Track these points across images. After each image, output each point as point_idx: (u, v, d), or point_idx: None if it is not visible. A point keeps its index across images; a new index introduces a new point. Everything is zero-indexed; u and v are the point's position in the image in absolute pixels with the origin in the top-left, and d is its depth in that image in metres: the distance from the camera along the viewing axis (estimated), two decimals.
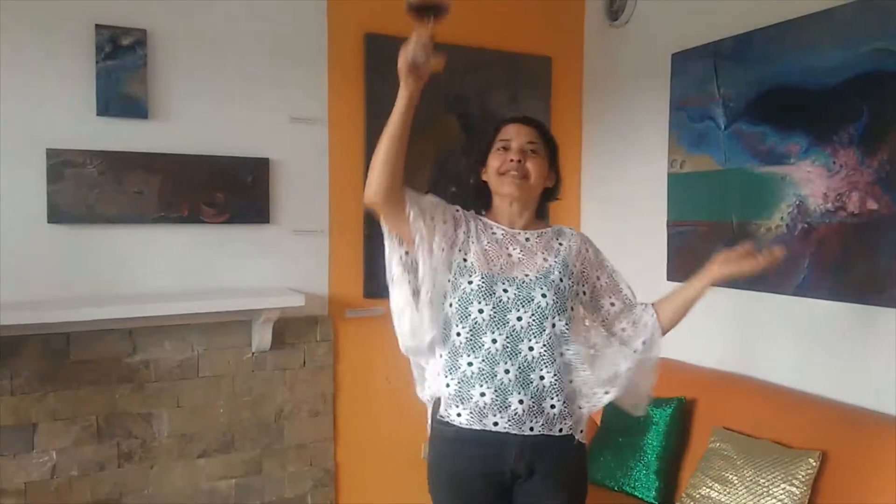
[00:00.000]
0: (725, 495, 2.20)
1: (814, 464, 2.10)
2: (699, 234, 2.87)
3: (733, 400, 2.51)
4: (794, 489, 2.08)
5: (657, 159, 3.05)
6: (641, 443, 2.56)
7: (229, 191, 2.70)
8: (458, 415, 1.65)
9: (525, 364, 1.63)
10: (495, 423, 1.62)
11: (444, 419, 1.68)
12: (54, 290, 2.47)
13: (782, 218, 2.53)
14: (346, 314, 2.97)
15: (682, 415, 2.57)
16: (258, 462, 2.82)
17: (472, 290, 1.66)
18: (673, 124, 2.96)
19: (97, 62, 2.49)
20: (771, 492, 2.11)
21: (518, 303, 1.65)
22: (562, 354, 1.67)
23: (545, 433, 1.65)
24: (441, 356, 1.70)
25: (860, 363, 2.32)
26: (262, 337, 2.73)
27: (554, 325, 1.66)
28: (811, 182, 2.43)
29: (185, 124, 2.66)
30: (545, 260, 1.73)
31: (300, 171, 2.87)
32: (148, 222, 2.59)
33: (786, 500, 2.07)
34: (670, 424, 2.54)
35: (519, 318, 1.64)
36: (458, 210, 1.78)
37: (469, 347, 1.65)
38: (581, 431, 1.72)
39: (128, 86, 2.54)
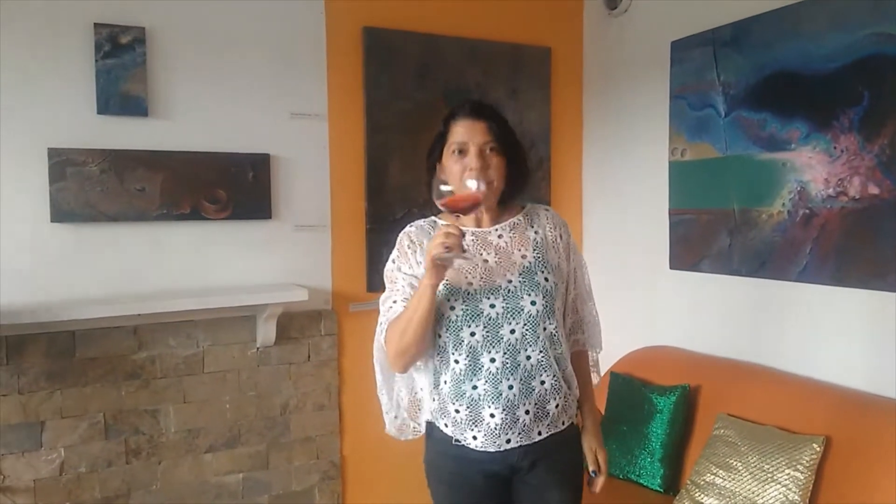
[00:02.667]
0: (730, 482, 2.21)
1: (818, 449, 2.10)
2: (701, 223, 2.86)
3: (737, 387, 2.52)
4: (798, 474, 2.09)
5: (658, 148, 3.04)
6: (646, 431, 2.57)
7: (231, 187, 2.71)
8: (475, 437, 1.62)
9: (526, 374, 1.60)
10: (508, 441, 1.61)
11: (460, 443, 1.64)
12: (59, 288, 2.49)
13: (784, 204, 2.53)
14: (350, 308, 2.98)
15: (687, 402, 2.58)
16: (265, 456, 2.83)
17: (458, 316, 1.61)
18: (673, 113, 2.96)
19: (96, 61, 2.49)
20: (775, 477, 2.11)
21: (508, 316, 1.60)
22: (556, 354, 1.65)
23: (551, 433, 1.65)
24: (445, 383, 1.65)
25: (863, 348, 2.33)
26: (266, 332, 2.74)
27: (545, 329, 1.63)
28: (812, 168, 2.43)
29: (185, 121, 2.66)
30: (523, 257, 1.67)
31: (301, 167, 2.87)
32: (150, 220, 2.60)
33: (790, 486, 2.08)
34: (674, 412, 2.54)
35: (512, 331, 1.60)
36: (409, 248, 1.69)
37: (471, 372, 1.61)
38: (576, 414, 1.74)
39: (127, 84, 2.55)
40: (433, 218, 1.76)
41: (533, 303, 1.61)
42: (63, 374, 2.50)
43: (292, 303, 2.72)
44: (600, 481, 1.78)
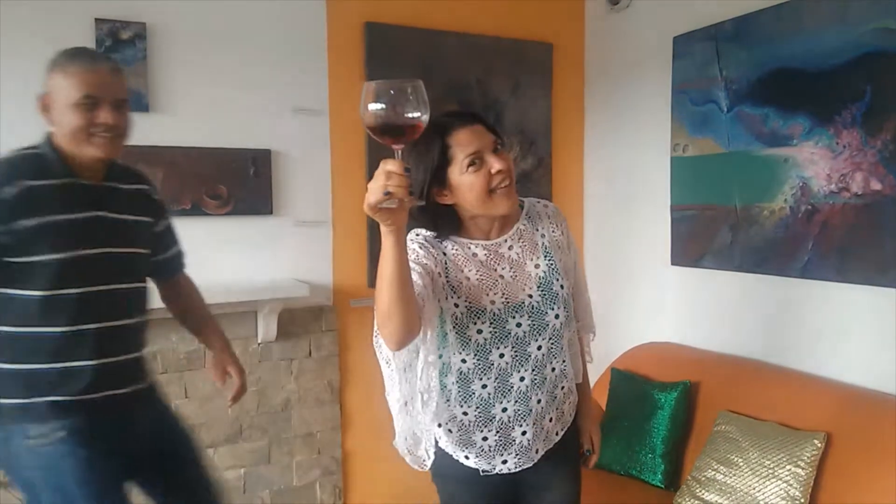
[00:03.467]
0: (731, 477, 2.21)
1: (819, 445, 2.10)
2: (703, 218, 2.86)
3: (738, 383, 2.52)
4: (799, 471, 2.08)
5: (660, 143, 3.04)
6: (647, 427, 2.57)
7: (232, 183, 2.71)
8: (504, 462, 1.58)
9: (552, 386, 1.59)
10: (536, 451, 1.60)
11: (489, 473, 1.59)
12: None
13: (786, 200, 2.52)
14: (351, 304, 2.98)
15: (688, 398, 2.57)
16: (266, 451, 2.84)
17: (486, 339, 1.51)
18: (675, 108, 2.95)
19: None
20: (776, 473, 2.11)
21: (535, 333, 1.54)
22: (569, 357, 1.65)
23: (565, 430, 1.67)
24: (466, 414, 1.56)
25: (865, 345, 2.32)
26: (267, 328, 2.75)
27: (563, 337, 1.60)
28: (814, 163, 2.42)
29: (186, 117, 2.66)
30: (536, 266, 1.58)
31: (302, 162, 2.87)
32: None
33: (791, 482, 2.08)
34: (676, 408, 2.54)
35: (539, 348, 1.55)
36: (422, 248, 1.52)
37: (500, 395, 1.54)
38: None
39: (129, 80, 2.52)
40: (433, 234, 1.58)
41: (557, 316, 1.56)
42: None
43: (293, 298, 2.72)
44: (593, 459, 1.79)
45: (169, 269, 2.01)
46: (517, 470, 1.60)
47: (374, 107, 1.15)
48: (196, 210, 2.66)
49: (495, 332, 1.51)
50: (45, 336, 1.64)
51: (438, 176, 1.46)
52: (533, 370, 1.55)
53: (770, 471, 2.13)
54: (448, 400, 1.57)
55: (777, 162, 2.54)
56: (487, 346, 1.51)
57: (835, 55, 2.34)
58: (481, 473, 1.60)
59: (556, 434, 1.64)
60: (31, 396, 1.66)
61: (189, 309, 2.08)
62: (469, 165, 1.45)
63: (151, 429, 1.84)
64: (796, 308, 2.53)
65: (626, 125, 3.27)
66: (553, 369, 1.59)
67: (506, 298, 1.53)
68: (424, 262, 1.49)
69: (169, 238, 1.98)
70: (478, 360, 1.52)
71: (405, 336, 1.39)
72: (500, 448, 1.58)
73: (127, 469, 1.78)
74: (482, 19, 3.19)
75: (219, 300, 2.59)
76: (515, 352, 1.53)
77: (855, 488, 2.04)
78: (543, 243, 1.61)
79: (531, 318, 1.54)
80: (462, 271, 1.53)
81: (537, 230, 1.62)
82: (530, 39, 3.31)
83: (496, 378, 1.54)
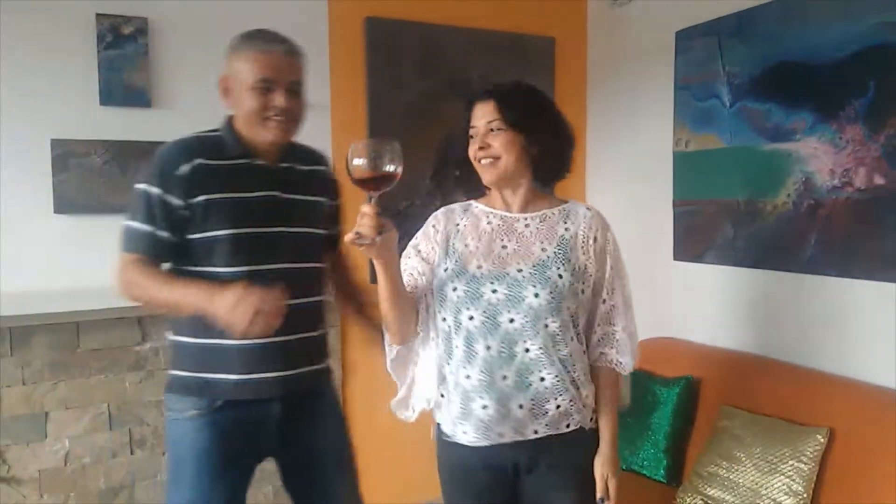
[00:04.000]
0: (734, 473, 2.21)
1: (822, 440, 2.10)
2: (706, 214, 2.86)
3: (741, 378, 2.52)
4: (802, 466, 2.08)
5: (662, 138, 3.03)
6: (650, 422, 2.57)
7: None
8: (465, 432, 1.60)
9: (523, 367, 1.55)
10: (500, 434, 1.57)
11: (450, 438, 1.63)
12: (62, 279, 2.49)
13: (789, 195, 2.52)
14: None
15: (690, 393, 2.57)
16: None
17: (458, 297, 1.58)
18: (678, 103, 2.95)
19: (99, 51, 2.49)
20: (779, 469, 2.11)
21: (509, 303, 1.55)
22: (560, 354, 1.57)
23: (549, 433, 1.59)
24: (451, 373, 1.62)
25: (868, 340, 2.32)
26: None
27: (547, 326, 1.55)
28: (817, 158, 2.42)
29: (188, 112, 2.65)
30: (543, 250, 1.60)
31: None
32: None
33: (794, 477, 2.08)
34: (678, 403, 2.54)
35: (511, 321, 1.55)
36: (434, 228, 1.70)
37: (466, 359, 1.58)
38: (591, 420, 1.65)
39: (130, 75, 2.54)
40: (471, 202, 1.73)
41: (536, 295, 1.55)
42: (67, 365, 2.50)
43: None
44: None
45: (331, 245, 1.97)
46: (476, 444, 1.58)
47: (358, 162, 1.41)
48: None
49: (468, 292, 1.58)
50: None
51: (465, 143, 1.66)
52: (501, 342, 1.55)
53: (773, 466, 2.13)
54: (439, 355, 1.66)
55: (780, 157, 2.54)
56: (458, 305, 1.59)
57: (838, 50, 2.33)
58: (444, 437, 1.65)
59: (535, 432, 1.57)
60: (188, 370, 1.72)
61: (340, 285, 2.04)
62: (471, 137, 1.65)
63: (310, 422, 1.81)
64: (799, 303, 2.53)
65: (628, 120, 3.26)
66: (527, 350, 1.54)
67: (493, 265, 1.59)
68: (424, 248, 1.68)
69: (337, 216, 1.97)
70: (453, 319, 1.60)
71: (402, 337, 1.65)
72: (462, 416, 1.59)
73: (257, 457, 1.80)
74: (484, 14, 3.18)
75: None
76: (486, 317, 1.56)
77: (857, 483, 2.04)
78: (563, 235, 1.63)
79: (508, 289, 1.56)
80: (465, 241, 1.65)
81: (564, 223, 1.65)
82: (532, 34, 3.31)
83: (464, 341, 1.58)
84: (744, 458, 2.21)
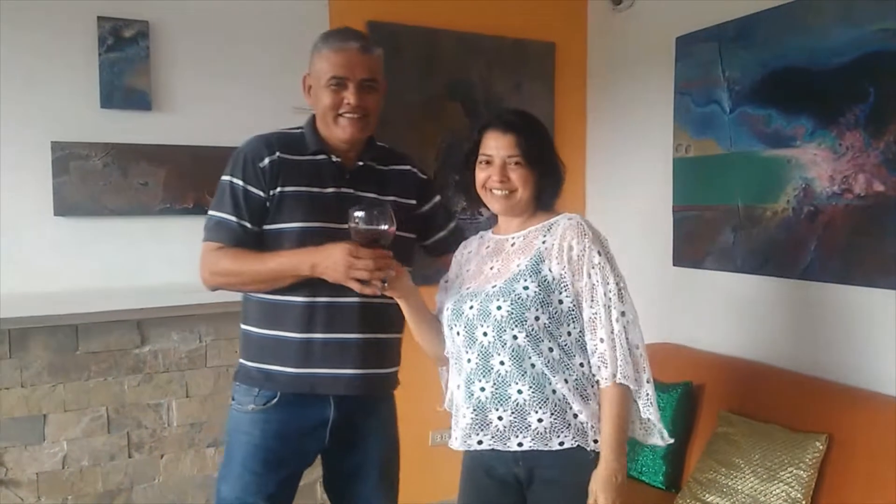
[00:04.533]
0: (732, 479, 2.20)
1: (820, 447, 2.10)
2: (705, 219, 2.86)
3: (740, 384, 2.51)
4: (801, 472, 2.08)
5: (662, 144, 3.03)
6: None
7: None
8: (456, 438, 1.67)
9: (500, 380, 1.57)
10: (479, 442, 1.61)
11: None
12: (62, 282, 2.49)
13: (788, 201, 2.52)
14: None
15: (689, 399, 2.57)
16: None
17: (448, 316, 1.67)
18: (678, 109, 2.95)
19: (100, 54, 2.49)
20: (778, 475, 2.11)
21: (480, 318, 1.60)
22: (533, 366, 1.56)
23: (538, 448, 1.57)
24: (450, 385, 1.76)
25: (867, 346, 2.32)
26: None
27: (516, 338, 1.56)
28: (817, 165, 2.42)
29: (188, 115, 2.66)
30: (518, 265, 1.62)
31: None
32: (153, 214, 2.60)
33: (793, 484, 2.08)
34: (677, 409, 2.54)
35: (485, 334, 1.59)
36: (455, 258, 1.81)
37: (456, 371, 1.68)
38: (595, 441, 1.58)
39: (131, 78, 2.54)
40: (488, 231, 1.80)
41: (499, 307, 1.57)
42: (66, 368, 2.50)
43: None
44: None
45: (439, 249, 1.96)
46: (460, 448, 1.66)
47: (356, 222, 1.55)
48: (199, 209, 2.64)
49: (454, 311, 1.66)
50: (286, 304, 1.71)
51: (470, 162, 1.70)
52: (478, 355, 1.60)
53: (772, 472, 2.13)
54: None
55: (780, 163, 2.54)
56: (449, 323, 1.67)
57: (838, 56, 2.33)
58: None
59: (519, 445, 1.57)
60: (251, 360, 1.77)
61: None
62: (480, 163, 1.67)
63: (364, 431, 1.81)
64: (798, 309, 2.53)
65: (628, 125, 3.26)
66: (502, 363, 1.57)
67: (477, 285, 1.66)
68: (448, 276, 1.80)
69: (441, 218, 1.96)
70: (448, 335, 1.69)
71: (437, 359, 1.76)
72: (454, 424, 1.69)
73: (306, 459, 1.81)
74: (485, 18, 3.19)
75: (223, 298, 2.59)
76: (467, 333, 1.62)
77: (856, 490, 2.03)
78: (540, 248, 1.63)
79: (480, 304, 1.61)
80: (469, 266, 1.74)
81: (544, 236, 1.65)
82: (533, 39, 3.31)
83: (454, 355, 1.68)
84: (742, 465, 2.20)
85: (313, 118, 1.77)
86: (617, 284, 1.59)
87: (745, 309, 2.74)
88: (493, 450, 1.60)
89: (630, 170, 3.26)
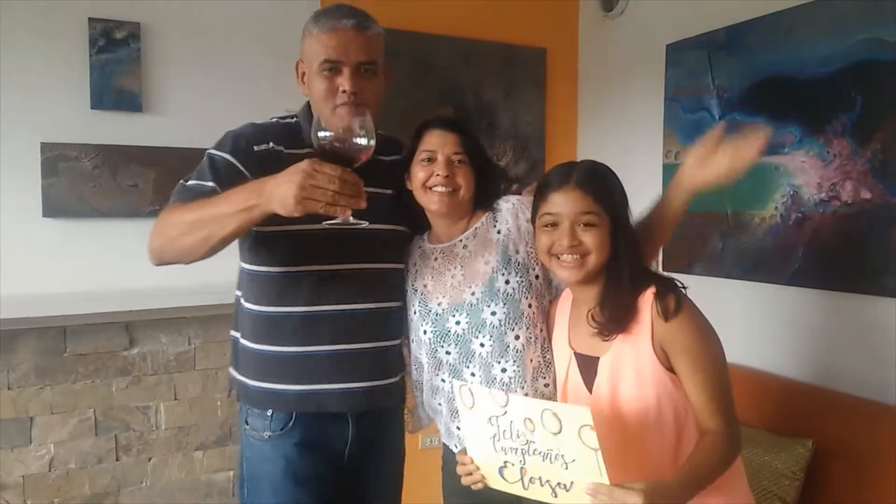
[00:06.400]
0: None
1: (804, 453, 2.11)
2: (693, 225, 2.87)
3: None
4: (786, 477, 2.09)
5: (652, 150, 3.05)
6: None
7: None
8: (456, 447, 1.64)
9: (504, 387, 1.56)
10: None
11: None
12: (50, 284, 2.47)
13: (776, 208, 2.54)
14: None
15: None
16: None
17: (430, 339, 1.62)
18: (667, 115, 2.97)
19: (91, 55, 2.49)
20: (763, 480, 2.12)
21: (475, 330, 1.57)
22: (531, 360, 1.58)
23: None
24: (440, 405, 1.67)
25: (853, 352, 2.33)
26: None
27: (517, 337, 1.56)
28: (805, 172, 2.44)
29: (179, 117, 2.65)
30: (486, 263, 1.59)
31: None
32: (143, 216, 2.58)
33: (778, 489, 2.09)
34: None
35: (482, 345, 1.57)
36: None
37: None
38: None
39: (122, 79, 2.54)
40: (422, 238, 1.72)
41: (493, 313, 1.56)
42: (53, 370, 2.49)
43: None
44: None
45: None
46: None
47: (324, 133, 1.29)
48: None
49: (436, 332, 1.61)
50: (282, 316, 1.56)
51: (408, 163, 1.62)
52: (480, 367, 1.58)
53: (757, 477, 2.13)
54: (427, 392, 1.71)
55: (768, 170, 2.56)
56: (433, 345, 1.62)
57: (826, 65, 2.35)
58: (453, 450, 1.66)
59: None
60: (251, 377, 1.60)
61: None
62: (422, 160, 1.60)
63: (377, 451, 1.69)
64: (785, 315, 2.55)
65: (618, 131, 3.28)
66: (504, 370, 1.56)
67: (451, 298, 1.60)
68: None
69: None
70: (430, 358, 1.64)
71: None
72: (447, 435, 1.67)
73: (333, 478, 1.64)
74: (476, 23, 3.20)
75: (213, 301, 2.59)
76: (460, 349, 1.60)
77: (842, 494, 2.05)
78: (498, 238, 1.62)
79: (469, 316, 1.58)
80: (424, 281, 1.66)
81: (494, 226, 1.63)
82: (524, 45, 3.32)
83: (450, 373, 1.62)
84: None
85: (308, 106, 1.63)
86: None
87: (733, 314, 2.75)
88: None
89: (620, 175, 3.24)
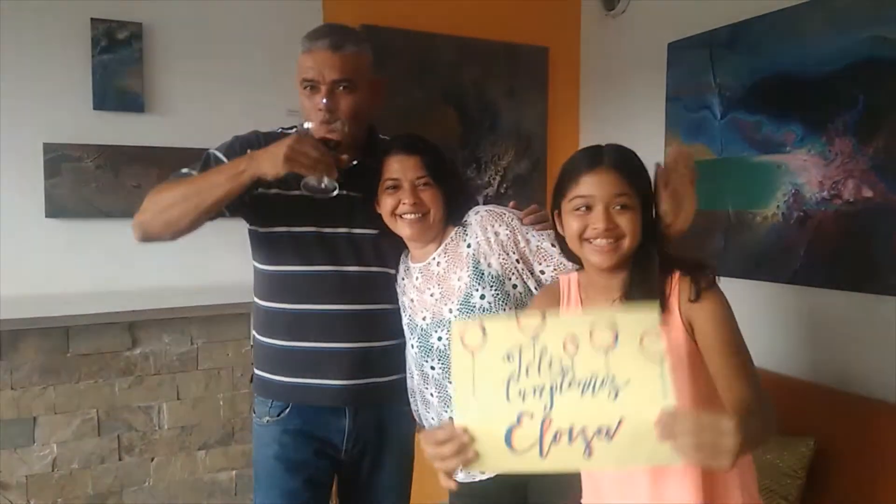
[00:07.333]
0: None
1: (806, 451, 2.11)
2: (695, 224, 2.85)
3: None
4: (787, 475, 2.09)
5: (654, 149, 3.04)
6: None
7: None
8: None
9: None
10: (482, 472, 1.58)
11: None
12: (53, 284, 2.48)
13: (778, 206, 2.53)
14: None
15: None
16: None
17: (416, 353, 1.64)
18: (669, 114, 2.96)
19: (93, 56, 2.49)
20: (765, 479, 2.12)
21: None
22: None
23: None
24: (433, 419, 1.69)
25: (855, 350, 2.33)
26: None
27: None
28: (807, 170, 2.44)
29: (181, 118, 2.66)
30: (459, 279, 1.60)
31: None
32: None
33: (780, 487, 2.09)
34: None
35: None
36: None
37: (443, 403, 1.62)
38: None
39: (124, 79, 2.54)
40: (406, 258, 1.73)
41: None
42: (56, 370, 2.49)
43: None
44: None
45: None
46: (465, 480, 1.58)
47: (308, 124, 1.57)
48: None
49: (421, 347, 1.64)
50: (278, 311, 1.69)
51: (375, 190, 1.64)
52: None
53: (759, 476, 2.13)
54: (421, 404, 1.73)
55: (770, 169, 2.56)
56: (419, 360, 1.65)
57: (828, 63, 2.35)
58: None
59: None
60: (259, 368, 1.75)
61: None
62: (387, 188, 1.60)
63: (378, 447, 1.76)
64: (787, 313, 2.55)
65: (620, 130, 3.27)
66: None
67: (433, 315, 1.63)
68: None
69: None
70: (417, 370, 1.67)
71: None
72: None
73: (330, 467, 1.75)
74: (478, 23, 3.20)
75: (213, 301, 2.60)
76: (443, 364, 1.60)
77: (844, 493, 2.05)
78: (469, 252, 1.61)
79: (450, 332, 1.54)
80: (410, 296, 1.68)
81: (465, 240, 1.63)
82: (526, 43, 3.32)
83: (436, 388, 1.63)
84: None
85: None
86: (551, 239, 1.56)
87: (735, 313, 2.75)
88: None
89: None
